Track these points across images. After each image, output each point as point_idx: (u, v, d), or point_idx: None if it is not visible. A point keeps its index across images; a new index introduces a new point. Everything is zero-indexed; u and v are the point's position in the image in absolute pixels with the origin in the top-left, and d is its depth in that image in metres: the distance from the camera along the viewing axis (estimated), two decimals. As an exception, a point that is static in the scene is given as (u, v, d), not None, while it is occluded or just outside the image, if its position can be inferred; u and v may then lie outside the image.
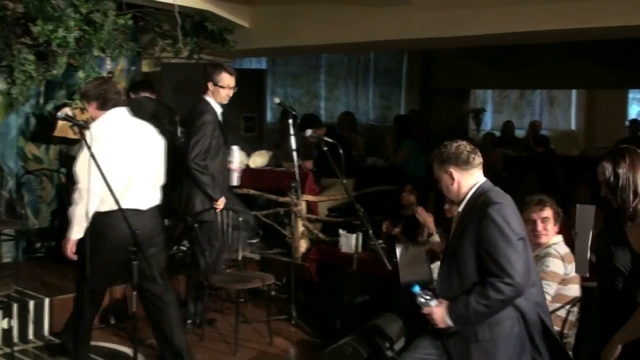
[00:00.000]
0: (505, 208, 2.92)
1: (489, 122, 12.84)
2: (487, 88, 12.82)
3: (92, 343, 4.54)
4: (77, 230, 3.89)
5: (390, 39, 6.12)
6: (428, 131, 9.75)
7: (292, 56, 9.76)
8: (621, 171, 2.74)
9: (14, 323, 4.68)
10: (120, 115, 4.06)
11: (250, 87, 5.62)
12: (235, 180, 5.36)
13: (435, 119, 11.16)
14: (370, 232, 4.58)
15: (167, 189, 5.11)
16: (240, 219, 4.95)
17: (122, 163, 3.91)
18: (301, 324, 5.21)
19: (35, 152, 6.19)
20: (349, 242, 5.50)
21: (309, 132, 5.10)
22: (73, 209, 3.87)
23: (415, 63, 11.69)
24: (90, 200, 3.83)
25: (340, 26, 6.18)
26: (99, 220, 3.90)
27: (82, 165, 3.78)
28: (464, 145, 3.07)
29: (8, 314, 4.62)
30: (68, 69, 5.58)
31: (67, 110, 5.77)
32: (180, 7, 6.04)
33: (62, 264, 5.75)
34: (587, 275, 3.08)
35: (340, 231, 5.72)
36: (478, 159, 3.06)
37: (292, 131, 5.25)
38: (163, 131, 5.36)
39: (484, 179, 3.08)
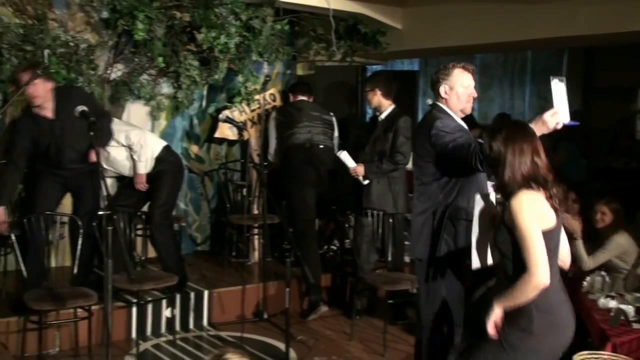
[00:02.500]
0: None
1: (658, 124, 11.87)
2: (659, 86, 11.84)
3: (246, 335, 4.76)
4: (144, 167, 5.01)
5: (551, 37, 5.80)
6: (590, 133, 9.18)
7: (445, 57, 9.58)
8: (495, 145, 2.54)
9: (177, 312, 4.99)
10: None
11: (402, 88, 5.59)
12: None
13: (598, 120, 10.47)
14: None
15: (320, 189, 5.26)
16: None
17: None
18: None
19: (197, 152, 6.46)
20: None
21: (461, 133, 4.96)
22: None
23: (577, 61, 11.01)
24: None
25: (495, 25, 5.95)
26: (170, 156, 5.11)
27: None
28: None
29: (171, 304, 4.94)
30: (228, 74, 5.85)
31: (227, 113, 6.06)
32: (335, 11, 6.12)
33: (220, 256, 6.11)
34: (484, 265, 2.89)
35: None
36: None
37: (444, 133, 5.16)
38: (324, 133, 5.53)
39: None
